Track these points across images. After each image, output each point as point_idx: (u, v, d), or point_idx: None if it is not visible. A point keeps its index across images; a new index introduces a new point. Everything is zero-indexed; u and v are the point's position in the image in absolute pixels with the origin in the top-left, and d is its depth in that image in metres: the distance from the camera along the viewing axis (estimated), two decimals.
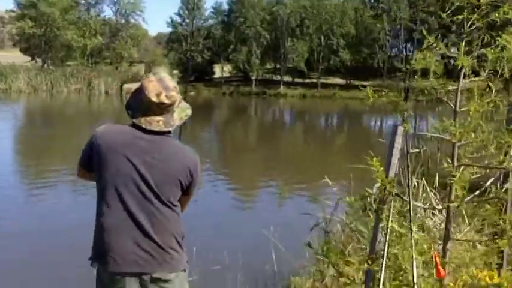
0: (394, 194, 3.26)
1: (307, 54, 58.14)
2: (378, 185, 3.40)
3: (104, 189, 2.84)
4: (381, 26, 56.93)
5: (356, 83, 59.28)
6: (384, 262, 3.06)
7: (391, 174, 3.30)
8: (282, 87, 58.11)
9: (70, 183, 12.02)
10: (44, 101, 42.13)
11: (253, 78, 58.64)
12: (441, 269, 3.09)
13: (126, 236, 2.79)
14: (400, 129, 3.38)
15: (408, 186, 3.28)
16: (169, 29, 64.79)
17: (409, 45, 65.88)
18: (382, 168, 3.39)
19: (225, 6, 63.94)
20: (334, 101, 53.14)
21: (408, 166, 3.42)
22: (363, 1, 62.84)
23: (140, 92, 2.89)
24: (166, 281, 2.83)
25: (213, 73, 64.33)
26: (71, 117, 31.79)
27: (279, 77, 60.30)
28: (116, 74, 53.84)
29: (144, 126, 2.86)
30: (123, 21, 60.23)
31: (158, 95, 2.85)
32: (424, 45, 3.49)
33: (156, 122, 2.88)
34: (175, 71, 59.45)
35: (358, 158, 18.77)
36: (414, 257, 3.04)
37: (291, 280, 5.78)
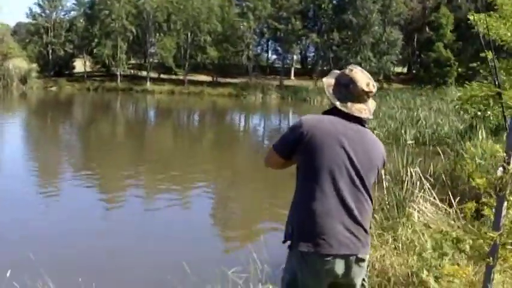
0: None
1: (175, 50, 57.57)
2: (501, 169, 3.63)
3: (318, 175, 3.00)
4: (247, 24, 57.82)
5: (222, 80, 60.05)
6: None
7: None
8: (148, 83, 57.09)
9: None
10: None
11: (118, 73, 57.06)
12: None
13: (338, 221, 2.97)
14: None
15: None
16: (28, 20, 61.22)
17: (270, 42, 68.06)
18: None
19: None
20: (202, 98, 53.41)
21: None
22: None
23: (344, 83, 3.12)
24: (363, 260, 3.08)
25: (74, 67, 61.69)
26: None
27: (144, 73, 59.23)
28: None
29: (356, 114, 3.08)
30: None
31: (368, 85, 3.11)
32: None
33: (364, 110, 3.11)
34: (34, 65, 56.30)
35: (224, 153, 19.38)
36: None
37: None
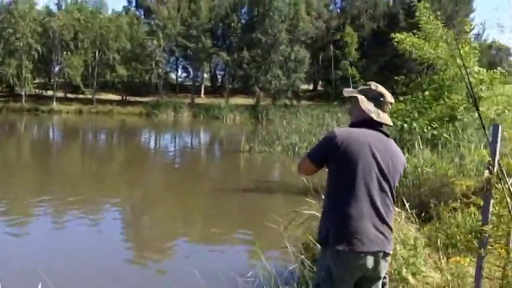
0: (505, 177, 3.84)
1: (82, 68, 56.31)
2: (487, 171, 4.07)
3: (353, 182, 3.40)
4: (157, 42, 57.63)
5: (132, 99, 59.41)
6: None
7: (496, 163, 3.90)
8: (55, 103, 55.38)
9: None
10: None
11: (23, 93, 55.02)
12: None
13: (369, 222, 3.38)
14: (500, 127, 4.00)
15: None
16: None
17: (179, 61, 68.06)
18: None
19: None
20: (111, 117, 52.52)
21: None
22: (137, 17, 63.09)
23: (374, 97, 3.61)
24: (389, 255, 3.51)
25: None
26: None
27: (50, 93, 57.43)
28: None
29: (383, 121, 3.56)
30: None
31: (391, 97, 3.64)
32: None
33: (388, 119, 3.62)
34: None
35: (133, 171, 18.77)
36: None
37: None
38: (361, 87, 3.70)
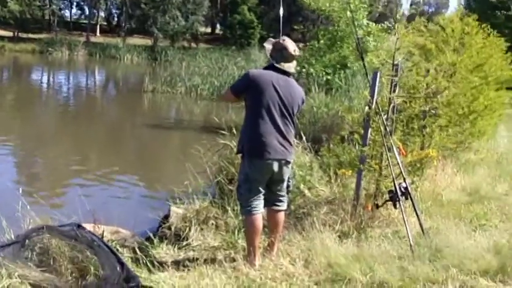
0: (380, 112, 5.12)
1: None
2: (367, 107, 5.25)
3: (261, 108, 4.63)
4: None
5: (25, 36, 57.16)
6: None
7: (374, 101, 5.15)
8: None
9: None
10: None
11: None
12: (403, 151, 5.39)
13: (274, 137, 4.63)
14: (379, 74, 5.24)
15: (389, 104, 5.18)
16: None
17: None
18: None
19: None
20: (2, 53, 50.45)
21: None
22: None
23: (280, 48, 4.73)
24: (289, 162, 4.82)
25: None
26: None
27: None
28: None
29: (285, 69, 4.74)
30: None
31: (294, 50, 4.77)
32: None
33: (291, 68, 4.80)
34: None
35: (25, 110, 18.65)
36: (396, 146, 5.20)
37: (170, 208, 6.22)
38: (275, 40, 4.87)
